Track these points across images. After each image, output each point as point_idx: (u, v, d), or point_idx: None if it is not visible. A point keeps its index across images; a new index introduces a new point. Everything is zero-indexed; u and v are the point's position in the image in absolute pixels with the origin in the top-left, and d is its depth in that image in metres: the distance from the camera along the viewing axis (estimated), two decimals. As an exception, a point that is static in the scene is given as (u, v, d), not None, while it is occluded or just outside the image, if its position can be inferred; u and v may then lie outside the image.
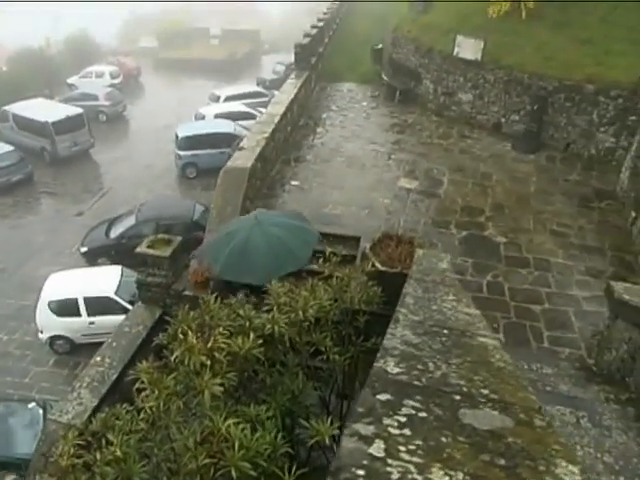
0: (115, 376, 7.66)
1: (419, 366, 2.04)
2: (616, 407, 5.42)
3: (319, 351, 5.50)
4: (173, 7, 47.78)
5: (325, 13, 22.23)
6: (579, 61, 12.74)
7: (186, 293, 8.60)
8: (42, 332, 13.17)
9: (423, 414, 1.48)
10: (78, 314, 13.05)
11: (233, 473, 3.70)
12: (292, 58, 17.69)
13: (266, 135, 11.93)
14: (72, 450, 4.78)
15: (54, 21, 39.96)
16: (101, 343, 8.44)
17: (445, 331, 2.87)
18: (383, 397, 1.56)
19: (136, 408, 5.09)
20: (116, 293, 13.06)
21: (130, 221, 16.29)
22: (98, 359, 8.03)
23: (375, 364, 1.96)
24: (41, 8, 41.66)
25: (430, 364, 2.11)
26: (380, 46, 19.18)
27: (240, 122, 22.17)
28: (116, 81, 33.18)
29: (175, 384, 4.79)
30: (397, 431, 1.33)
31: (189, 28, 45.15)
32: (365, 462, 1.12)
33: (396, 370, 1.92)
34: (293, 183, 12.10)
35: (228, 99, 27.26)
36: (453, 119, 15.17)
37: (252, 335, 4.72)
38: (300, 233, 7.42)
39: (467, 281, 9.10)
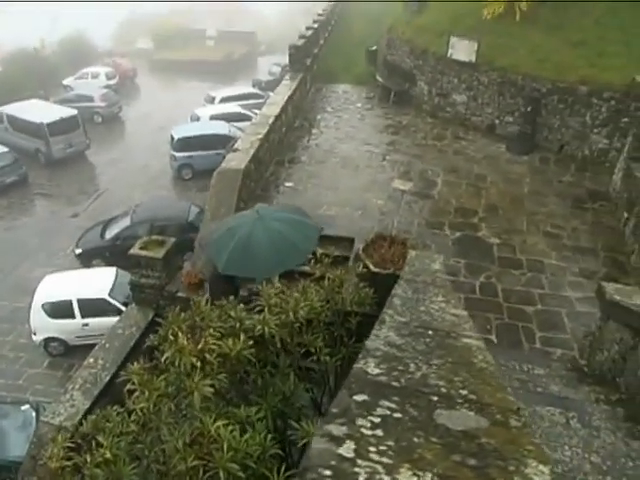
0: (108, 378, 7.66)
1: (400, 367, 2.05)
2: (606, 407, 5.44)
3: (310, 352, 5.51)
4: (169, 8, 47.76)
5: (320, 14, 22.26)
6: (572, 63, 12.79)
7: (179, 294, 8.60)
8: (36, 334, 13.14)
9: (398, 415, 1.49)
10: (72, 316, 13.02)
11: (221, 475, 3.70)
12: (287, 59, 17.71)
13: (260, 136, 11.94)
14: (62, 452, 4.78)
15: (51, 22, 39.90)
16: (95, 345, 8.43)
17: (430, 332, 2.87)
18: (360, 398, 1.56)
19: (127, 410, 5.09)
20: (110, 295, 13.03)
21: (125, 222, 16.27)
22: (91, 361, 8.03)
23: (355, 365, 1.97)
24: (40, 8, 41.54)
25: (411, 365, 2.11)
26: (375, 47, 19.22)
27: (235, 123, 22.17)
28: (112, 82, 33.15)
29: (166, 385, 4.80)
30: (369, 432, 1.34)
31: (185, 29, 45.14)
32: (333, 462, 1.13)
33: (376, 371, 1.93)
34: (287, 184, 12.11)
35: (224, 100, 27.28)
36: (447, 120, 15.20)
37: (242, 336, 4.72)
38: (301, 227, 7.44)
39: (460, 282, 9.12)
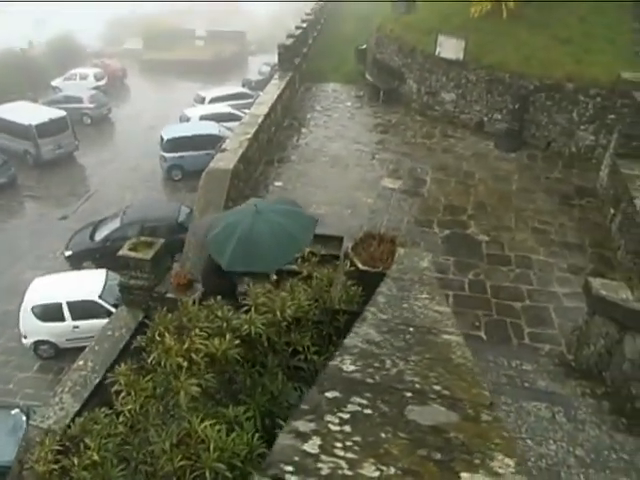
0: (97, 380, 7.61)
1: (376, 364, 2.06)
2: (592, 401, 5.49)
3: (298, 351, 5.52)
4: (158, 8, 47.51)
5: (308, 14, 22.24)
6: (559, 60, 12.87)
7: (169, 295, 8.58)
8: (26, 337, 13.06)
9: (368, 411, 1.50)
10: (62, 319, 12.96)
11: (207, 475, 3.71)
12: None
13: (249, 136, 11.93)
14: (49, 456, 4.76)
15: (39, 22, 39.61)
16: (86, 347, 8.39)
17: (411, 329, 2.88)
18: (331, 395, 1.57)
19: (115, 412, 5.08)
20: (101, 297, 12.99)
21: (115, 224, 16.21)
22: (80, 363, 7.99)
23: (331, 363, 1.97)
24: (27, 9, 41.19)
25: (388, 362, 2.12)
26: (364, 46, 19.23)
27: (226, 124, 22.12)
28: (101, 83, 32.98)
29: (154, 387, 4.80)
30: (337, 428, 1.35)
31: (174, 29, 44.92)
32: (296, 458, 1.14)
33: (351, 368, 1.93)
34: (277, 184, 12.11)
35: (213, 100, 27.21)
36: (436, 118, 15.25)
37: (229, 336, 4.72)
38: (298, 218, 7.47)
39: (449, 279, 9.17)
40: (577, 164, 12.70)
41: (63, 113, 23.58)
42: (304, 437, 1.25)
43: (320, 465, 1.13)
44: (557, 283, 9.21)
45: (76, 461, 4.56)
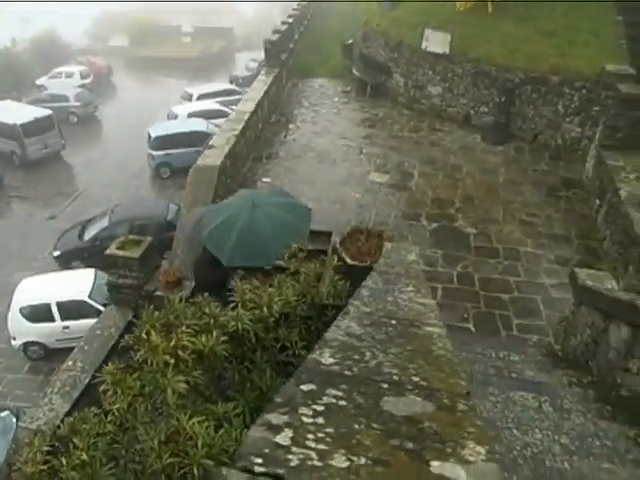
0: (87, 380, 7.60)
1: (355, 356, 2.07)
2: (578, 390, 5.56)
3: (287, 347, 5.52)
4: (144, 5, 47.08)
5: (295, 9, 22.16)
6: (544, 52, 12.95)
7: (158, 294, 8.55)
8: (15, 339, 12.95)
9: (343, 403, 1.51)
10: (52, 319, 12.86)
11: (195, 471, 3.71)
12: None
13: (236, 132, 11.89)
14: (38, 456, 4.74)
15: (24, 21, 39.11)
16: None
17: (393, 322, 2.89)
18: (307, 387, 1.58)
19: (104, 411, 5.07)
20: (90, 296, 12.89)
21: (103, 223, 16.10)
22: (70, 363, 7.96)
23: (309, 356, 1.98)
24: (11, 8, 40.62)
25: (367, 354, 2.13)
26: (351, 41, 19.21)
27: (213, 120, 22.00)
28: (86, 81, 32.64)
29: (142, 385, 4.79)
30: (310, 420, 1.36)
31: (161, 26, 44.62)
32: (267, 450, 1.15)
33: (330, 361, 1.94)
34: (264, 180, 12.10)
35: (201, 97, 27.01)
36: (423, 112, 15.29)
37: (215, 332, 4.72)
38: (292, 208, 7.48)
39: (438, 272, 9.23)
40: (563, 156, 12.80)
41: (49, 112, 23.31)
42: (276, 429, 1.26)
43: (290, 457, 1.14)
44: (544, 274, 9.30)
45: (65, 461, 4.55)
